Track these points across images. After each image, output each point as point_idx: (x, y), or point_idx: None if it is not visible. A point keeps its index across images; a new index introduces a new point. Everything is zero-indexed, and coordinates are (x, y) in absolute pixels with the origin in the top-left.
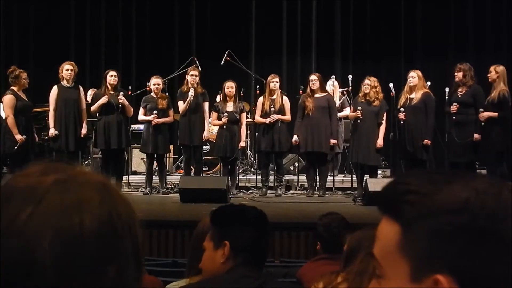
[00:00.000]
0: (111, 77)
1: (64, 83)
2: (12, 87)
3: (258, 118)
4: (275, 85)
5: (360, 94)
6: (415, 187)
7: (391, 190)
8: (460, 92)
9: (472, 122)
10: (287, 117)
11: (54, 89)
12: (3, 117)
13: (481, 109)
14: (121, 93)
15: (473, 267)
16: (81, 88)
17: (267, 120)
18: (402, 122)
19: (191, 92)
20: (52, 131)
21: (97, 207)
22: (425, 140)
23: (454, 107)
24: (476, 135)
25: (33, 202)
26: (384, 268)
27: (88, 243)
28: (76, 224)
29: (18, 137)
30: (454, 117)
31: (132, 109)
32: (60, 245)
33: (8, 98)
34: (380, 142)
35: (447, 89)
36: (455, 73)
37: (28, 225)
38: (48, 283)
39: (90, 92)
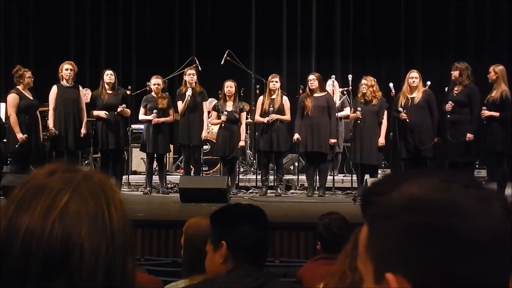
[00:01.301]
0: (107, 75)
1: (64, 82)
2: (17, 86)
3: (257, 117)
4: (274, 84)
5: (359, 95)
6: (378, 187)
7: (365, 192)
8: (456, 91)
9: (466, 122)
10: (286, 117)
11: (54, 89)
12: (7, 117)
13: (484, 107)
14: (123, 105)
15: (423, 266)
16: (80, 88)
17: (266, 119)
18: (407, 121)
19: (189, 92)
20: (52, 130)
21: (119, 203)
22: (436, 138)
23: (449, 106)
24: (469, 135)
25: (68, 192)
26: (361, 270)
27: (116, 234)
28: (106, 215)
29: (19, 135)
30: (448, 116)
31: (129, 111)
32: (96, 232)
33: (11, 97)
34: (381, 140)
35: (447, 89)
36: (452, 72)
37: (67, 209)
38: (87, 268)
39: (84, 92)
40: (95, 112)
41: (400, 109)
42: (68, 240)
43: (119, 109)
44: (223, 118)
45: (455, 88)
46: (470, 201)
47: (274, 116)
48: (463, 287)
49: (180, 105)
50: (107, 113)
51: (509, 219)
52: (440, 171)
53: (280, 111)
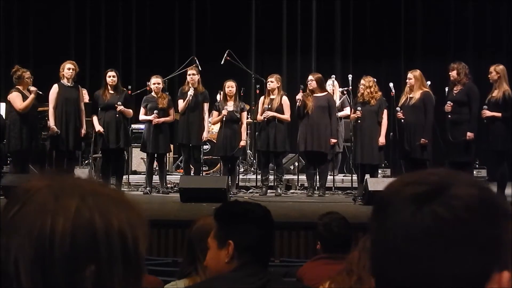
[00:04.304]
0: (110, 77)
1: (65, 82)
2: (17, 86)
3: (259, 117)
4: (269, 84)
5: (358, 95)
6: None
7: None
8: (455, 90)
9: (466, 122)
10: (285, 116)
11: (55, 88)
12: (4, 116)
13: (485, 106)
14: (119, 102)
15: (372, 264)
16: (80, 88)
17: (262, 116)
18: (402, 121)
19: (191, 92)
20: (54, 129)
21: (74, 212)
22: (422, 140)
23: (448, 106)
24: (469, 134)
25: (20, 203)
26: None
27: (59, 243)
28: (47, 225)
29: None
30: (449, 116)
31: (131, 111)
32: (32, 243)
33: (15, 94)
34: (382, 140)
35: (447, 88)
36: (450, 72)
37: (10, 223)
38: (25, 278)
39: (84, 92)
40: (94, 121)
41: (398, 108)
42: (6, 250)
43: (117, 108)
44: (224, 111)
45: (455, 88)
46: (398, 200)
47: (270, 113)
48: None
49: (181, 104)
50: (102, 131)
51: (435, 224)
52: (424, 170)
53: (279, 110)
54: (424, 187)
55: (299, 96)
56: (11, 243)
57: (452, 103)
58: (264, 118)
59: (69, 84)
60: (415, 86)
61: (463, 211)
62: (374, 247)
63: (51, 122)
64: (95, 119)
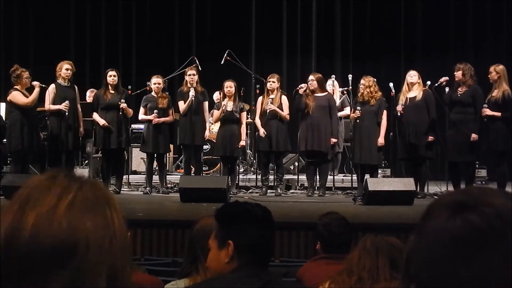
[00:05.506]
0: (110, 77)
1: (61, 81)
2: (16, 86)
3: (257, 119)
4: (271, 85)
5: (358, 94)
6: None
7: None
8: (460, 91)
9: (470, 122)
10: (284, 113)
11: (52, 87)
12: (4, 117)
13: (485, 105)
14: (123, 100)
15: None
16: (77, 88)
17: (262, 132)
18: (400, 115)
19: (192, 93)
20: (63, 106)
21: (119, 208)
22: (430, 137)
23: (442, 78)
24: (473, 135)
25: (72, 192)
26: None
27: (117, 233)
28: (108, 214)
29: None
30: (455, 116)
31: (131, 111)
32: (100, 227)
33: (15, 93)
34: (381, 140)
35: (447, 89)
36: (455, 73)
37: (73, 205)
38: (93, 260)
39: (89, 94)
40: (95, 117)
41: (399, 106)
42: (74, 232)
43: (121, 105)
44: (224, 102)
45: (459, 89)
46: (439, 206)
47: (272, 106)
48: None
49: (182, 104)
50: (106, 123)
51: (465, 229)
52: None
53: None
54: (464, 196)
55: (302, 85)
56: (82, 221)
57: (445, 80)
58: (268, 110)
59: (65, 84)
60: (417, 85)
61: (495, 219)
62: (413, 249)
63: (54, 107)
64: (95, 115)
